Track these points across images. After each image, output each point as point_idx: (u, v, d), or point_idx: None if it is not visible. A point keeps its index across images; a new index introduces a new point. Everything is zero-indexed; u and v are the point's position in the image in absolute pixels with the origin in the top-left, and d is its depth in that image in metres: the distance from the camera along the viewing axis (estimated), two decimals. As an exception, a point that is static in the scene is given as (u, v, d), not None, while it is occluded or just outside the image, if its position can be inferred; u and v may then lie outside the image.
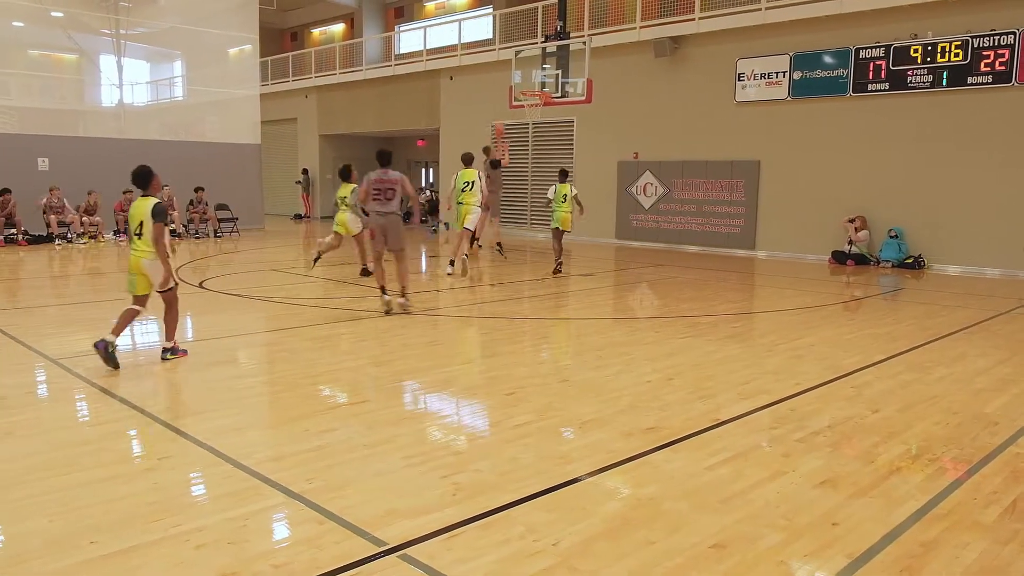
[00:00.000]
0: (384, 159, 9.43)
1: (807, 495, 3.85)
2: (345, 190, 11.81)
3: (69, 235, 17.20)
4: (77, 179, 17.45)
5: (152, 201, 6.22)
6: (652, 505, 3.70)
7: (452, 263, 12.51)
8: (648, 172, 18.41)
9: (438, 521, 3.46)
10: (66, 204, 17.07)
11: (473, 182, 12.85)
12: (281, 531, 3.46)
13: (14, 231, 16.74)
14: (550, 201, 12.65)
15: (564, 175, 12.86)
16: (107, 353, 6.08)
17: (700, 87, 17.22)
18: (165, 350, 6.62)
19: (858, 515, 3.62)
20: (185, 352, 6.75)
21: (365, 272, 12.05)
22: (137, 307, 6.47)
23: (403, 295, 9.15)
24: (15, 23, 20.37)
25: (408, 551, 3.18)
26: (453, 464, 4.22)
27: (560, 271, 12.75)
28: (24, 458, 4.27)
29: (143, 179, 6.24)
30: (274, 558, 3.15)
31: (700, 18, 16.85)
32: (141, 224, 6.13)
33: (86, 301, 10.31)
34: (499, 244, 15.58)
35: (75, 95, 22.58)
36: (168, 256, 6.39)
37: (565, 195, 12.40)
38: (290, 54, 29.82)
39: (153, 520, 3.47)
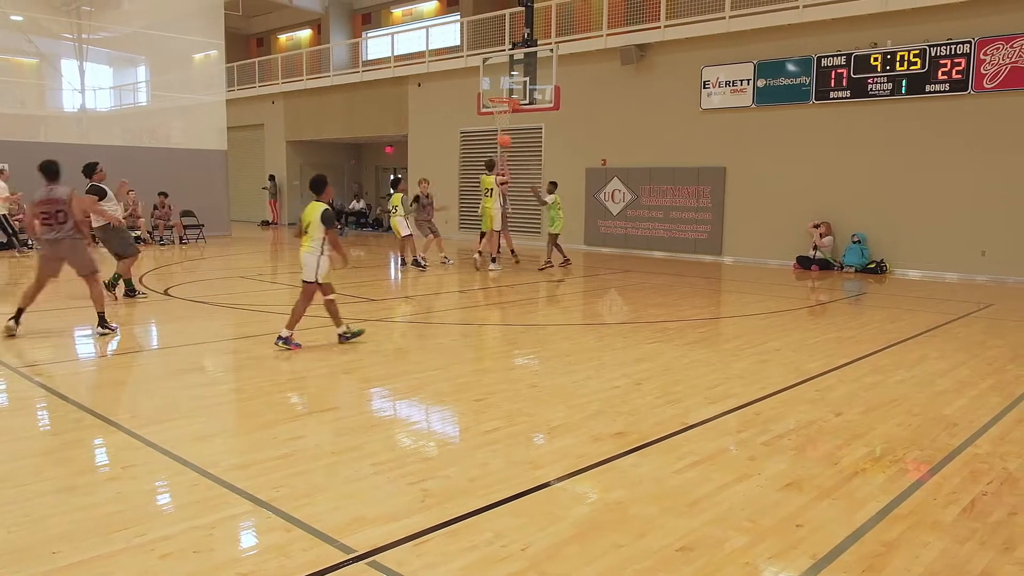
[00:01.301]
0: (50, 173, 7.85)
1: (772, 497, 3.90)
2: (396, 199, 14.58)
3: (31, 242, 16.83)
4: (38, 185, 17.08)
5: (322, 207, 7.10)
6: (620, 509, 3.73)
7: (494, 260, 14.35)
8: (616, 179, 18.55)
9: (406, 528, 3.45)
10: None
11: (492, 188, 14.28)
12: (248, 539, 3.42)
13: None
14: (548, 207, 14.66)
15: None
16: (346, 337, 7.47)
17: (666, 94, 17.41)
18: (280, 338, 7.21)
19: (822, 516, 3.68)
20: (299, 346, 7.26)
21: (406, 263, 14.76)
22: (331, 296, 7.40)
23: (101, 324, 7.97)
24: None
25: (376, 558, 3.17)
26: (422, 471, 4.21)
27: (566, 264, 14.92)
28: (-18, 469, 4.17)
29: (319, 186, 7.16)
30: (241, 566, 3.12)
31: (666, 26, 17.04)
32: (309, 224, 7.06)
33: (44, 309, 10.11)
34: (512, 251, 15.81)
35: (35, 100, 22.22)
36: (345, 254, 7.43)
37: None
38: (256, 60, 29.57)
39: (117, 530, 3.42)
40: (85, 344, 7.92)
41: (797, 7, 15.12)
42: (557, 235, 14.69)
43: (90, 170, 10.03)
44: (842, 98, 14.92)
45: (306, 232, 7.13)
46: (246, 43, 33.22)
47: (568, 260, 15.13)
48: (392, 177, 13.79)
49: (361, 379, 6.35)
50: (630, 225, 18.43)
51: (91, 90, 23.67)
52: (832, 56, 14.94)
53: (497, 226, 14.31)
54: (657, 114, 17.63)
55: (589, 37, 18.59)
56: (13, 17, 20.98)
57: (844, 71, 14.82)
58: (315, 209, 7.11)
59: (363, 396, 5.91)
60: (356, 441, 4.68)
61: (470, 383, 6.16)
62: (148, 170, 19.43)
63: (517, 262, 15.35)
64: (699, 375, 6.53)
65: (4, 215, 16.41)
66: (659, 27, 17.16)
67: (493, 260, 14.35)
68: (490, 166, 14.71)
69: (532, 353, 7.47)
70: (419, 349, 7.71)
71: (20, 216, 16.66)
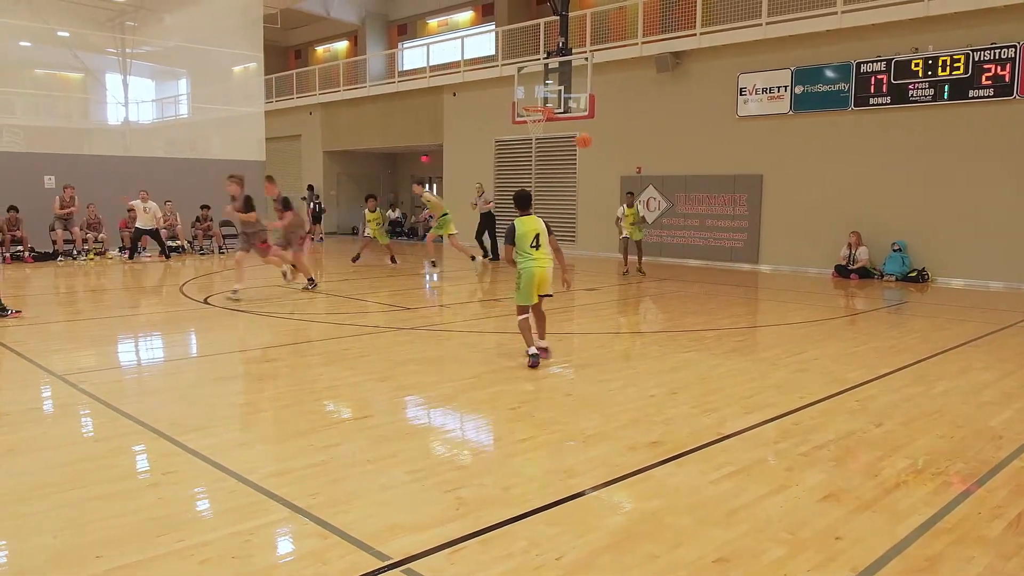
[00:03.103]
0: None
1: (810, 509, 3.84)
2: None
3: (74, 252, 17.28)
4: (83, 197, 17.54)
5: (538, 219, 7.07)
6: (656, 519, 3.70)
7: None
8: (651, 187, 18.46)
9: (441, 536, 3.46)
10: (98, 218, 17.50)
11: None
12: (286, 546, 3.46)
13: (20, 248, 16.83)
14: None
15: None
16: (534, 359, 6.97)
17: (702, 102, 17.30)
18: (542, 350, 7.09)
19: (862, 529, 3.62)
20: (548, 353, 7.20)
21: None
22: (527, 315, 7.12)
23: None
24: (22, 43, 20.59)
25: (411, 566, 3.18)
26: (456, 479, 4.22)
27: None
28: (29, 474, 4.28)
29: (527, 201, 7.09)
30: (278, 572, 3.16)
31: (701, 33, 16.95)
32: (537, 237, 6.88)
33: (91, 318, 10.35)
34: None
35: (81, 113, 22.76)
36: (565, 262, 7.46)
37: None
38: (294, 71, 30.01)
39: (158, 535, 3.48)
40: (128, 353, 8.10)
41: (836, 13, 14.95)
42: (634, 241, 15.07)
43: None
44: (882, 104, 14.70)
45: (537, 246, 6.89)
46: (284, 55, 33.74)
47: (628, 271, 15.24)
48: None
49: (396, 387, 6.38)
50: (665, 233, 18.32)
51: (134, 103, 24.22)
52: (872, 62, 14.74)
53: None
54: (693, 121, 17.53)
55: (624, 45, 18.57)
56: (60, 33, 21.56)
57: (884, 77, 14.61)
58: (538, 222, 7.00)
59: (398, 404, 5.95)
60: (391, 449, 4.71)
61: (504, 392, 6.16)
62: (189, 181, 19.81)
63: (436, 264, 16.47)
64: (736, 384, 6.47)
65: (155, 229, 17.25)
66: (695, 34, 17.08)
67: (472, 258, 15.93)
68: (420, 181, 16.20)
69: (566, 361, 7.45)
70: (453, 357, 7.74)
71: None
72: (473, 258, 16.58)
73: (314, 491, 3.98)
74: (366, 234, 16.83)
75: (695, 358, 7.56)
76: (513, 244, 6.96)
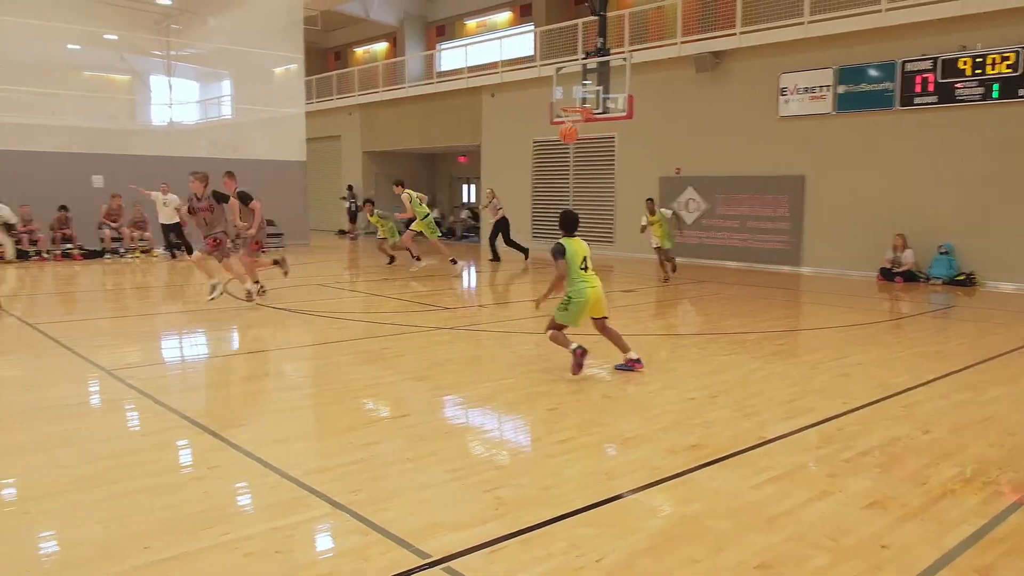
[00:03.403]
0: None
1: (855, 516, 3.78)
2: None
3: (121, 250, 17.67)
4: (130, 197, 17.91)
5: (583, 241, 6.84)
6: (696, 523, 3.67)
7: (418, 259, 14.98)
8: (690, 188, 18.31)
9: (481, 535, 3.47)
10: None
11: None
12: (327, 541, 3.50)
13: (70, 245, 17.25)
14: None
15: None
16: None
17: (742, 102, 17.11)
18: (633, 361, 6.91)
19: (909, 538, 3.54)
20: (640, 363, 6.95)
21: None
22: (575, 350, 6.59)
23: None
24: (71, 46, 21.09)
25: (451, 564, 3.19)
26: (495, 478, 4.23)
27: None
28: (78, 466, 4.38)
29: (575, 223, 6.75)
30: (320, 568, 3.20)
31: (741, 32, 16.77)
32: (586, 259, 6.66)
33: (137, 314, 10.57)
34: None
35: (127, 114, 23.24)
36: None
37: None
38: (334, 73, 30.32)
39: (203, 528, 3.54)
40: (172, 349, 8.25)
41: (880, 10, 14.68)
42: (663, 250, 14.20)
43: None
44: (929, 104, 14.40)
45: (586, 268, 6.65)
46: (324, 57, 34.11)
47: (668, 278, 14.42)
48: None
49: (434, 387, 6.41)
50: (704, 235, 18.15)
51: (178, 104, 24.69)
52: (917, 60, 14.44)
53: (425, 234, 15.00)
54: (733, 122, 17.34)
55: (663, 45, 18.44)
56: (108, 36, 22.06)
57: (931, 75, 14.30)
58: (585, 244, 6.79)
59: (436, 403, 5.97)
60: (430, 448, 4.73)
61: (543, 392, 6.16)
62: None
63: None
64: (777, 388, 6.38)
65: (172, 224, 17.55)
66: (735, 34, 16.90)
67: (417, 259, 15.09)
68: (399, 183, 15.48)
69: (605, 363, 7.42)
70: (491, 358, 7.75)
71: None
72: (418, 259, 15.57)
73: (355, 488, 4.01)
74: (379, 236, 16.81)
75: (735, 361, 7.48)
76: (562, 258, 6.62)
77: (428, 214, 15.14)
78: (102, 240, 17.50)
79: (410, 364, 7.23)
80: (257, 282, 10.98)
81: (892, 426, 5.33)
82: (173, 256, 17.77)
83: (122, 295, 12.85)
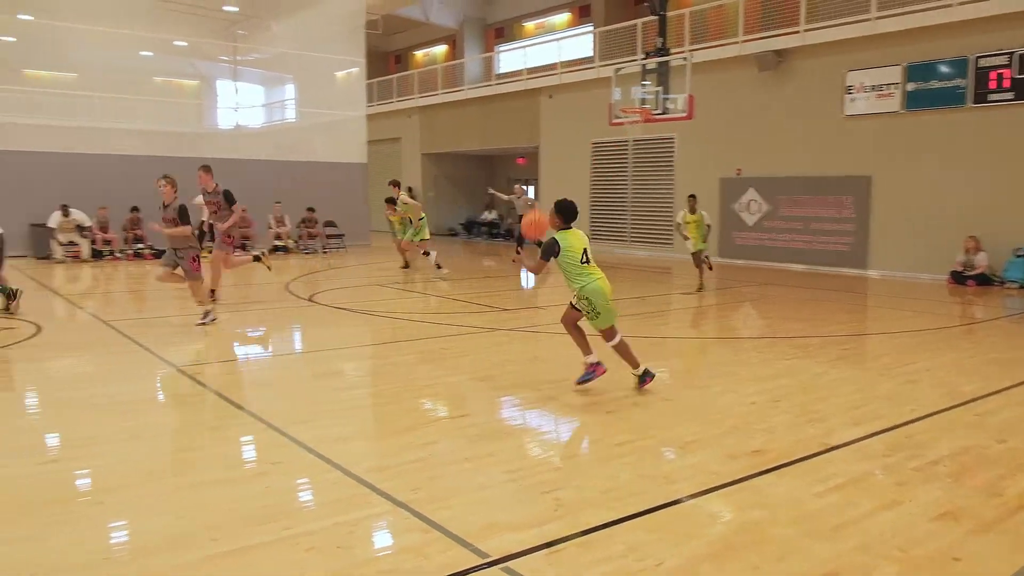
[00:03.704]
0: None
1: (925, 527, 3.66)
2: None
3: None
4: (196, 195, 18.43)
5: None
6: (758, 530, 3.61)
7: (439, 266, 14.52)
8: (752, 189, 18.01)
9: (540, 536, 3.47)
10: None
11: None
12: (387, 538, 3.55)
13: (141, 245, 17.85)
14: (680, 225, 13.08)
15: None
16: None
17: (806, 101, 16.75)
18: (594, 365, 6.30)
19: (982, 552, 3.42)
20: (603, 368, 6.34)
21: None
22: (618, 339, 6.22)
23: None
24: (143, 53, 21.84)
25: (510, 564, 3.20)
26: (554, 480, 4.23)
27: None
28: (148, 459, 4.53)
29: (574, 213, 6.10)
30: (381, 564, 3.24)
31: (806, 30, 16.42)
32: (586, 251, 6.08)
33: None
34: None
35: (195, 118, 23.93)
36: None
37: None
38: (395, 76, 30.72)
39: (267, 521, 3.62)
40: (239, 346, 8.47)
41: (950, 4, 14.21)
42: (698, 253, 12.93)
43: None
44: (1004, 100, 13.87)
45: (588, 261, 6.08)
46: (385, 60, 34.57)
47: (702, 286, 13.07)
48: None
49: (493, 387, 6.44)
50: (766, 237, 17.83)
51: (244, 108, 25.34)
52: (992, 55, 13.93)
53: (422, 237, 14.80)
54: (796, 121, 17.00)
55: (724, 44, 18.17)
56: (177, 43, 22.77)
57: (1006, 71, 13.78)
58: (583, 235, 6.20)
59: (495, 404, 6.00)
60: (489, 448, 4.75)
61: (601, 395, 6.13)
62: (294, 183, 20.56)
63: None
64: (842, 394, 6.23)
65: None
66: (799, 31, 16.56)
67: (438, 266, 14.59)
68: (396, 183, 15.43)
69: (664, 366, 7.35)
70: (550, 359, 7.75)
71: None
72: (407, 265, 15.59)
73: (414, 486, 4.06)
74: (398, 236, 15.91)
75: (798, 365, 7.33)
76: (548, 261, 6.04)
77: (422, 216, 14.90)
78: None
79: (469, 365, 7.28)
80: (213, 291, 10.45)
81: (964, 435, 5.15)
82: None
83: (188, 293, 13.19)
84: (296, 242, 20.10)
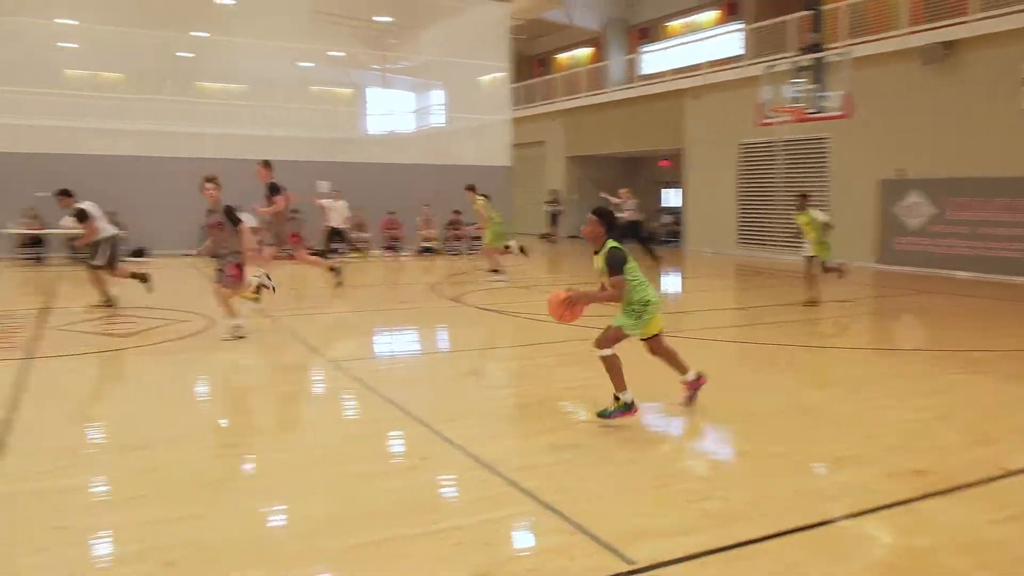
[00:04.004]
0: None
1: (1121, 564, 3.32)
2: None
3: (341, 250, 19.15)
4: (352, 200, 19.40)
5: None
6: (924, 557, 3.38)
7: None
8: (915, 191, 16.89)
9: (687, 546, 3.40)
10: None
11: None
12: (533, 538, 3.59)
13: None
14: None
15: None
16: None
17: (977, 96, 15.53)
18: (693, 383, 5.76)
19: None
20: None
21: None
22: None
23: None
24: (301, 64, 23.20)
25: (658, 572, 3.16)
26: (701, 489, 4.14)
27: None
28: (310, 448, 4.80)
29: (616, 220, 5.48)
30: (526, 563, 3.29)
31: (977, 19, 15.23)
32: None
33: (356, 310, 11.40)
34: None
35: (349, 125, 25.11)
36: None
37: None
38: (539, 80, 31.03)
39: (416, 515, 3.76)
40: (389, 344, 8.82)
41: None
42: (815, 259, 11.08)
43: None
44: None
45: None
46: (529, 64, 34.98)
47: (815, 300, 11.06)
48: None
49: (637, 392, 6.36)
50: (930, 242, 16.67)
51: (395, 114, 26.39)
52: None
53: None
54: (965, 118, 15.78)
55: (885, 37, 17.15)
56: (332, 53, 24.01)
57: None
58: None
59: (641, 410, 5.92)
60: (635, 453, 4.72)
61: (751, 404, 5.94)
62: (442, 186, 21.18)
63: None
64: (1019, 413, 5.73)
65: (342, 228, 18.89)
66: (968, 21, 15.38)
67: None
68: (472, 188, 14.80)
69: (818, 376, 7.03)
70: (696, 364, 7.57)
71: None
72: (496, 271, 14.66)
73: (560, 487, 4.08)
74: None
75: (967, 380, 6.81)
76: (623, 273, 5.29)
77: (501, 222, 14.48)
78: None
79: (610, 368, 7.22)
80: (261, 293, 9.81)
81: None
82: (324, 256, 18.90)
83: (343, 292, 13.87)
84: (443, 244, 20.72)
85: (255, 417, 5.51)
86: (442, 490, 4.20)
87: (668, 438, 5.26)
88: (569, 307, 5.34)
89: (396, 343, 9.08)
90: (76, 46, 20.73)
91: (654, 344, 5.68)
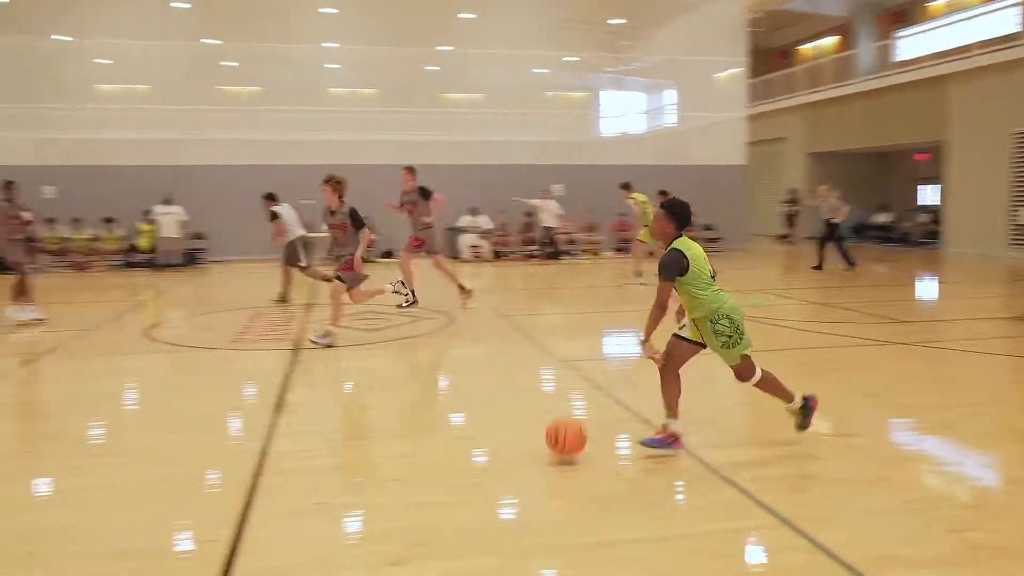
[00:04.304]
0: None
1: None
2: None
3: (573, 252, 19.51)
4: (584, 202, 19.70)
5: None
6: None
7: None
8: None
9: (947, 579, 3.09)
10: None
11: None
12: (770, 553, 3.43)
13: (535, 247, 19.56)
14: None
15: None
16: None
17: None
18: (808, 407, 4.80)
19: None
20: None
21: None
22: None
23: None
24: (536, 70, 23.92)
25: (912, 604, 2.90)
26: (964, 518, 3.73)
27: None
28: (544, 445, 4.90)
29: (689, 216, 4.76)
30: (763, 579, 3.15)
31: None
32: (711, 266, 4.78)
33: (585, 311, 11.56)
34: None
35: (582, 128, 25.48)
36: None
37: None
38: (777, 74, 29.57)
39: (652, 519, 3.75)
40: (616, 345, 8.85)
41: None
42: None
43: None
44: None
45: (714, 275, 4.77)
46: (768, 57, 33.44)
47: None
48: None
49: (887, 405, 5.88)
50: None
51: (626, 116, 26.42)
52: None
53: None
54: None
55: None
56: (567, 59, 24.49)
57: None
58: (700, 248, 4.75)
59: (889, 424, 5.47)
60: (883, 472, 4.35)
61: (1018, 425, 5.26)
62: (675, 186, 20.85)
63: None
64: None
65: (551, 227, 19.28)
66: None
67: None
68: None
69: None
70: (955, 379, 6.85)
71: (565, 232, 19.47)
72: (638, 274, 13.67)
73: (799, 502, 3.87)
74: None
75: None
76: (673, 281, 4.54)
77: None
78: (555, 243, 19.52)
79: (860, 380, 6.72)
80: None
81: None
82: (549, 257, 19.03)
83: (572, 293, 14.12)
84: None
85: (492, 411, 5.76)
86: (675, 496, 4.15)
87: (922, 457, 4.79)
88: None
89: (625, 345, 9.09)
90: (338, 66, 22.91)
91: (685, 351, 4.87)
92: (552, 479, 4.32)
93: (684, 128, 24.75)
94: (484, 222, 19.75)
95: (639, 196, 14.11)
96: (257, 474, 4.36)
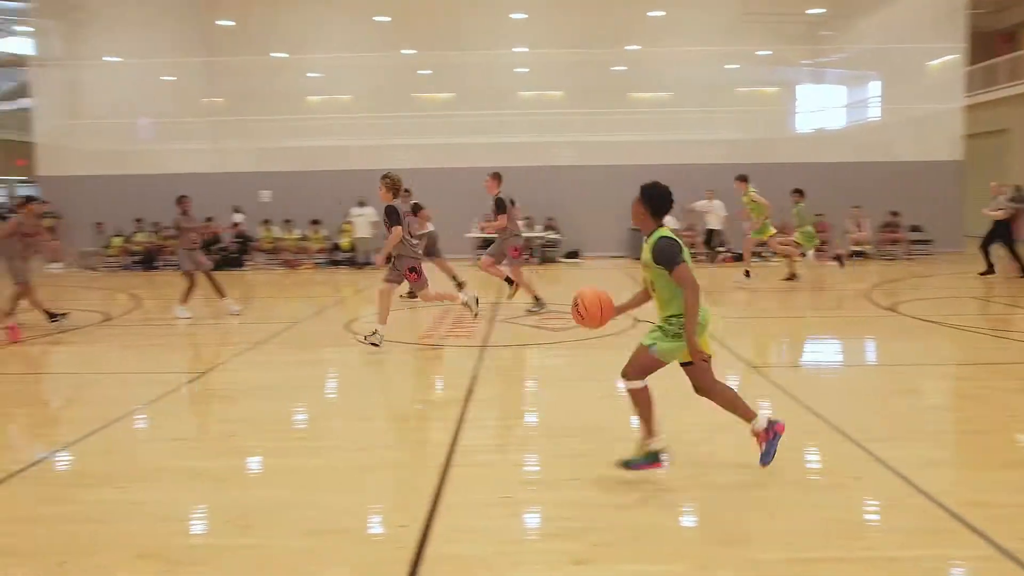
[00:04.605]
0: None
1: None
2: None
3: (765, 254, 18.72)
4: (776, 203, 18.78)
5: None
6: None
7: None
8: None
9: None
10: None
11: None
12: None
13: (722, 249, 18.97)
14: None
15: None
16: None
17: None
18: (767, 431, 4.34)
19: None
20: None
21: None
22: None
23: None
24: (727, 66, 23.15)
25: None
26: None
27: None
28: (727, 449, 4.73)
29: (670, 203, 4.36)
30: (979, 615, 2.87)
31: None
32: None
33: (773, 316, 11.06)
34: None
35: (775, 124, 24.35)
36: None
37: None
38: (1001, 59, 26.76)
39: (845, 538, 3.53)
40: (812, 352, 8.40)
41: None
42: None
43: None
44: None
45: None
46: (989, 41, 30.31)
47: None
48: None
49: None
50: None
51: (823, 110, 24.94)
52: None
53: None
54: None
55: None
56: (760, 53, 23.51)
57: None
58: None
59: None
60: None
61: None
62: (876, 184, 19.50)
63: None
64: None
65: (717, 230, 18.62)
66: None
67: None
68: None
69: None
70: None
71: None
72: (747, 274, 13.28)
73: (1023, 534, 3.48)
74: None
75: None
76: (685, 261, 4.09)
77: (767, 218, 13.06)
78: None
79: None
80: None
81: None
82: (712, 260, 18.14)
83: (750, 296, 13.54)
84: (876, 248, 19.08)
85: (686, 415, 5.57)
86: (876, 515, 3.87)
87: None
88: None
89: (821, 352, 8.60)
90: (527, 70, 23.36)
91: (696, 374, 4.26)
92: (738, 488, 4.16)
93: (888, 122, 23.04)
94: (669, 222, 19.41)
95: (753, 191, 13.51)
96: (447, 465, 4.54)
